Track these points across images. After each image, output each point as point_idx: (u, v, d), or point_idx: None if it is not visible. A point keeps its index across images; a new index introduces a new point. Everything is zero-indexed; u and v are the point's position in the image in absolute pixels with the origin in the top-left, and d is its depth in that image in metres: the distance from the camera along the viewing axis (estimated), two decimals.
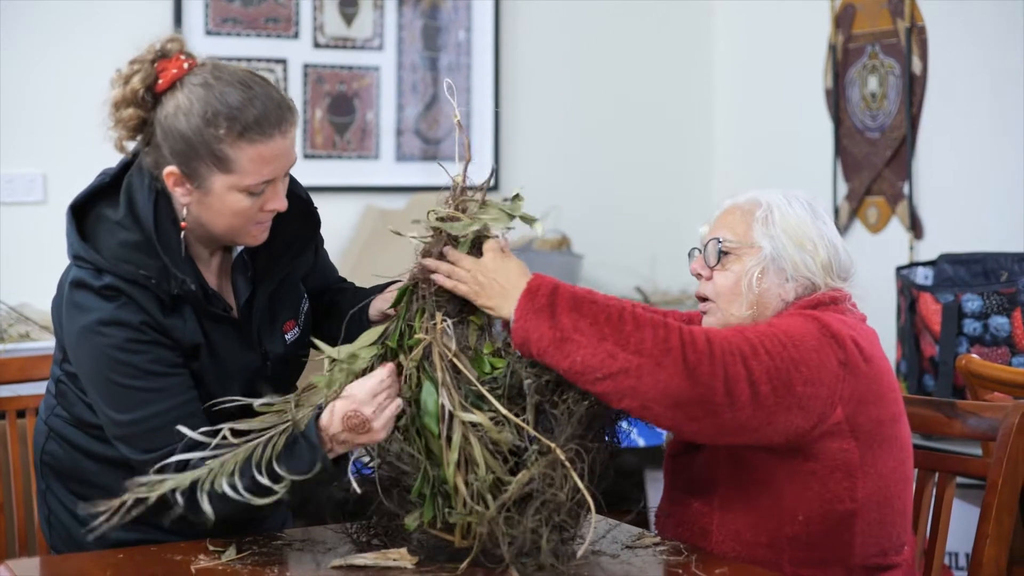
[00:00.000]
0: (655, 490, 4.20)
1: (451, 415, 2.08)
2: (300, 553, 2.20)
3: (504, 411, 2.08)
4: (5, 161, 4.14)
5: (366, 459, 2.20)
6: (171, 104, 2.15)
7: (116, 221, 2.23)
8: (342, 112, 4.66)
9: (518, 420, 2.08)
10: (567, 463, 2.03)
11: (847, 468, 2.19)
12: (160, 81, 2.15)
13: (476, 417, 2.06)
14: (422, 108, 4.78)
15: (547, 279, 2.15)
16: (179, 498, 2.04)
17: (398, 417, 2.12)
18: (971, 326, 3.57)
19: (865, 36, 4.52)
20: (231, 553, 2.18)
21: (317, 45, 4.60)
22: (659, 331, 2.08)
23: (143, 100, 2.16)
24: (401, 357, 2.15)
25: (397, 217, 4.42)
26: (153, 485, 2.02)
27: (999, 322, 3.54)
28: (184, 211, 2.22)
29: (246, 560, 2.16)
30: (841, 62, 4.62)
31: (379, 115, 4.71)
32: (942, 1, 4.28)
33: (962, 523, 2.84)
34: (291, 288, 2.41)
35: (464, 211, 2.21)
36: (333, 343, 2.22)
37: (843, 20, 4.60)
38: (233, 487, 2.02)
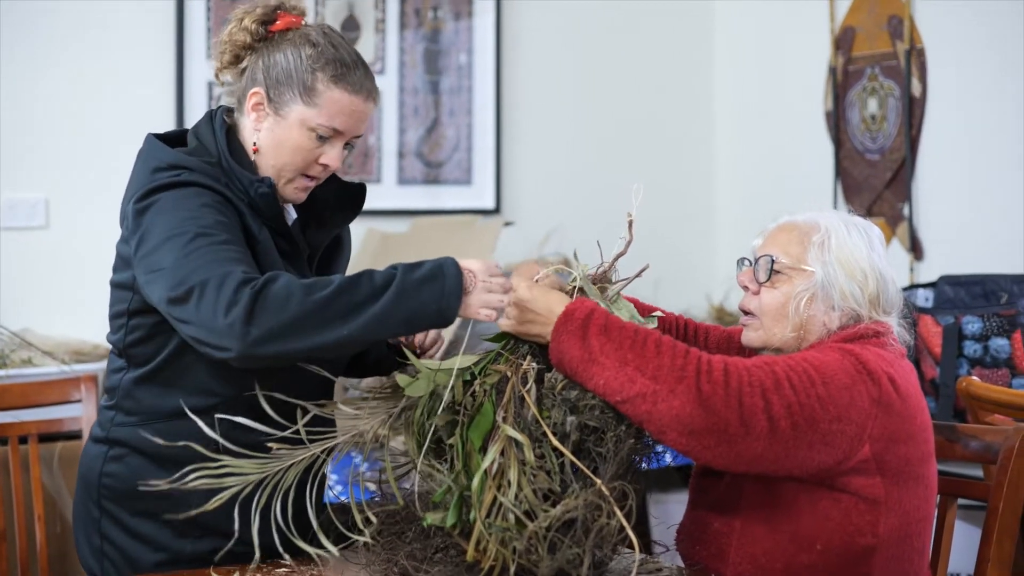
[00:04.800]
0: (659, 512, 4.19)
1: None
2: None
3: (556, 442, 2.08)
4: (7, 186, 4.14)
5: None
6: (281, 43, 2.35)
7: (188, 152, 2.35)
8: None
9: (570, 455, 2.08)
10: (611, 500, 2.03)
11: (871, 502, 2.18)
12: (277, 23, 2.37)
13: (519, 436, 2.07)
14: (424, 131, 4.79)
15: (586, 303, 2.18)
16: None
17: (442, 431, 2.17)
18: (971, 348, 3.57)
19: (865, 58, 4.54)
20: None
21: None
22: (677, 359, 2.09)
23: (255, 31, 2.37)
24: (478, 381, 2.20)
25: (399, 241, 4.42)
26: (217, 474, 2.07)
27: (999, 344, 3.54)
28: (255, 137, 2.37)
29: None
30: (841, 84, 4.63)
31: (381, 138, 4.72)
32: (941, 23, 4.29)
33: (971, 544, 2.83)
34: (324, 265, 2.54)
35: (601, 290, 2.29)
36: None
37: (843, 42, 4.62)
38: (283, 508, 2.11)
